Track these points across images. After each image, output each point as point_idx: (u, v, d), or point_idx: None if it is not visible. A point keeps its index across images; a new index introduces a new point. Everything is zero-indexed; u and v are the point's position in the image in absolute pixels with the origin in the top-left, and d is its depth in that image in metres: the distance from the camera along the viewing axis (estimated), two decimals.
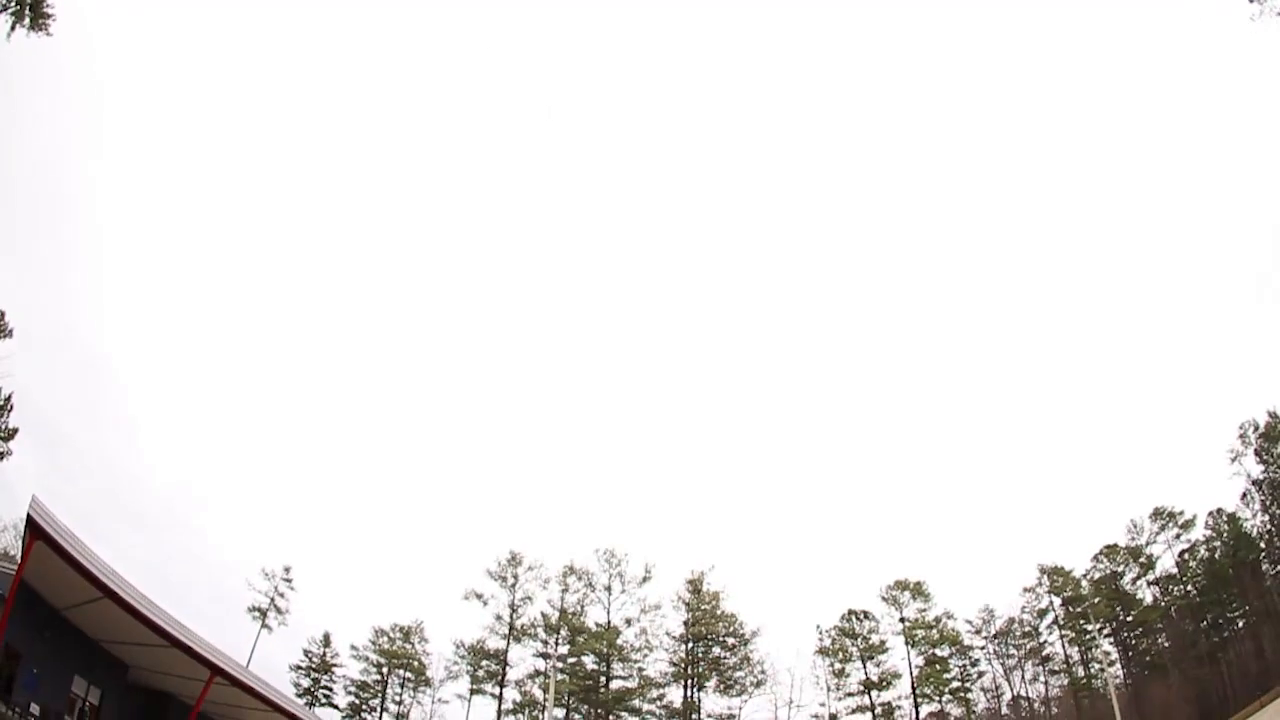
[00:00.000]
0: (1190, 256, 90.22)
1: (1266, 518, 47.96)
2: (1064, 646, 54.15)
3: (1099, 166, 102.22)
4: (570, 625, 57.27)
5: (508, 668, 55.96)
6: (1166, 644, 51.93)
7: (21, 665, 23.92)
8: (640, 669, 57.03)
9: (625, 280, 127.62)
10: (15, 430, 39.48)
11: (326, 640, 55.72)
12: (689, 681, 56.47)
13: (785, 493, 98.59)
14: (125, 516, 72.90)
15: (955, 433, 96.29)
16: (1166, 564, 52.69)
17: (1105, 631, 53.17)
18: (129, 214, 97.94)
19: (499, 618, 57.18)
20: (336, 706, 52.91)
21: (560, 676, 53.66)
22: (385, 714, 53.13)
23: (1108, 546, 55.19)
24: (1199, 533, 51.55)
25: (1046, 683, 54.80)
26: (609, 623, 57.47)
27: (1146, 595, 53.23)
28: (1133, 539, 54.18)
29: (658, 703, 56.14)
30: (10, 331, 38.40)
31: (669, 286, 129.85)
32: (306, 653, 54.58)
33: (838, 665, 55.65)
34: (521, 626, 57.04)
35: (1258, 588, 47.28)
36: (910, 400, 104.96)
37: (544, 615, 57.74)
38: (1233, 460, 49.29)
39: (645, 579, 58.71)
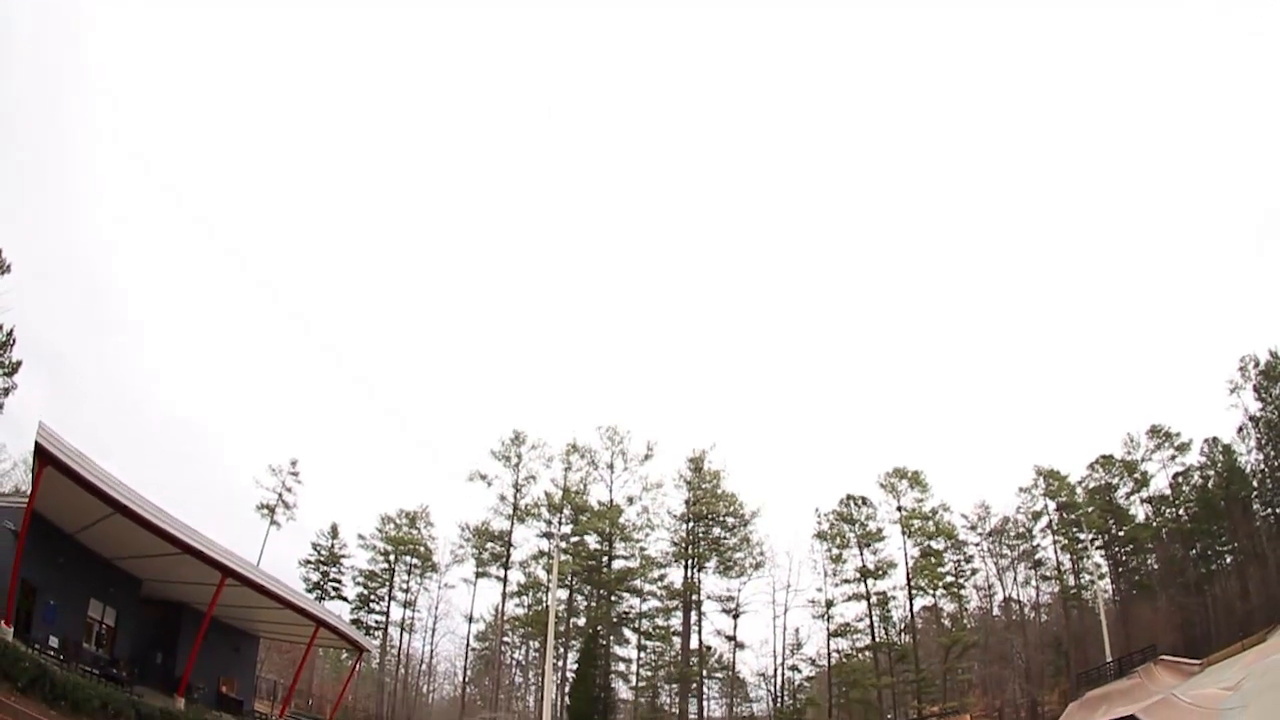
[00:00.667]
0: (1206, 183, 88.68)
1: (1260, 456, 48.11)
2: (1056, 553, 55.24)
3: (1111, 92, 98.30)
4: (573, 504, 57.30)
5: (512, 549, 56.27)
6: (1155, 566, 53.23)
7: (39, 598, 23.22)
8: (642, 548, 57.68)
9: (627, 240, 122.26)
10: (19, 364, 38.16)
11: (334, 532, 55.32)
12: (689, 562, 57.10)
13: (787, 376, 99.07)
14: (133, 433, 71.50)
15: (963, 329, 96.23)
16: (1160, 484, 53.32)
17: (1097, 544, 54.01)
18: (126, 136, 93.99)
19: (503, 498, 56.92)
20: (346, 598, 53.04)
21: (564, 557, 53.47)
22: (393, 602, 52.87)
23: (1103, 457, 55.40)
24: (1194, 458, 51.95)
25: (1038, 588, 56.34)
26: (611, 501, 57.49)
27: (1139, 513, 54.14)
28: (1128, 453, 54.48)
29: (659, 583, 57.15)
30: (9, 267, 36.35)
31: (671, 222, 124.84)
32: (315, 546, 54.29)
33: (835, 550, 56.27)
34: (525, 507, 56.88)
35: (1247, 526, 47.79)
36: (920, 296, 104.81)
37: (547, 495, 57.59)
38: (1231, 392, 49.06)
39: (647, 457, 58.15)
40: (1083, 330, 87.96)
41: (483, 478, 56.49)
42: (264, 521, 50.91)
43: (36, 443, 20.73)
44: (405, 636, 52.40)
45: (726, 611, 55.84)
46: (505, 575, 55.20)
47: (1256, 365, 47.77)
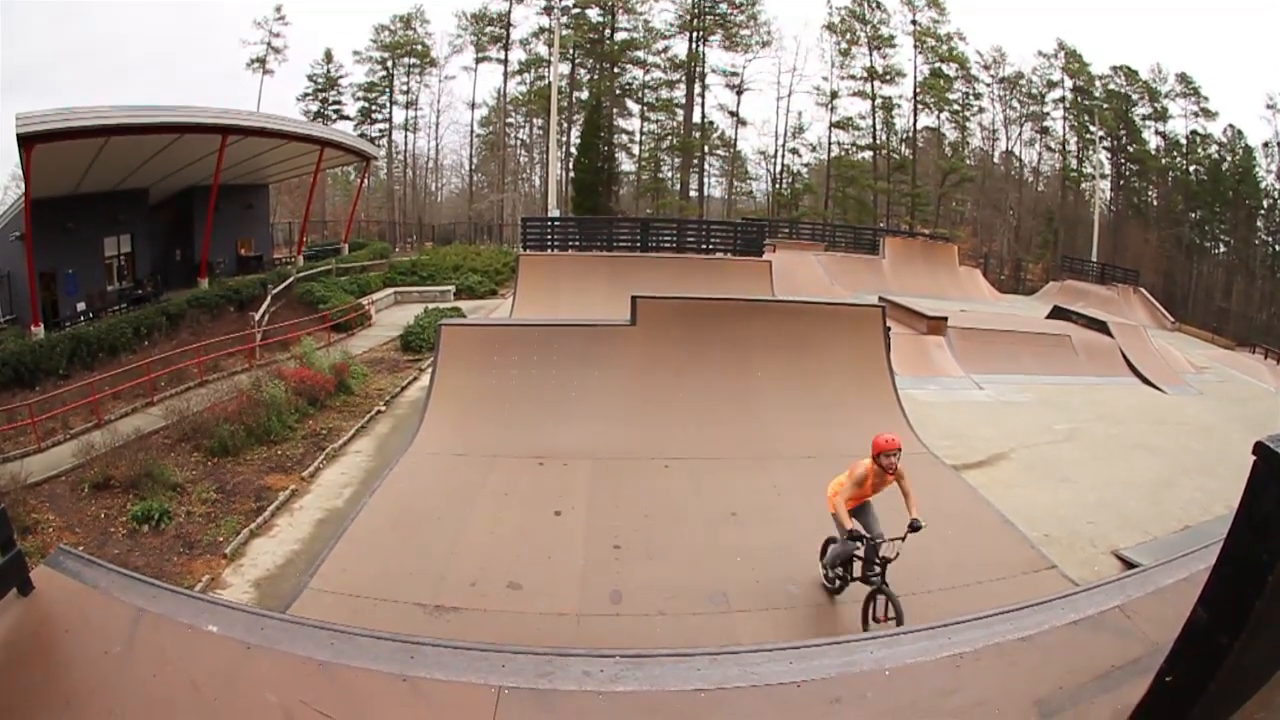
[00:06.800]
0: None
1: (1278, 183, 46.91)
2: (1064, 129, 52.62)
3: None
4: None
5: (511, 28, 53.59)
6: (1155, 202, 51.57)
7: (59, 278, 25.16)
8: (646, 21, 54.71)
9: None
10: None
11: (328, 56, 51.57)
12: (694, 34, 54.65)
13: None
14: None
15: None
16: (1177, 129, 50.69)
17: (1105, 143, 51.49)
18: None
19: None
20: (348, 116, 52.01)
21: (565, 31, 51.38)
22: (394, 106, 52.24)
23: (1128, 68, 50.53)
24: (1217, 131, 49.20)
25: (1040, 154, 54.33)
26: None
27: (1152, 142, 51.43)
28: (1154, 81, 50.02)
29: (663, 55, 55.42)
30: None
31: None
32: (310, 77, 51.21)
33: (844, 45, 53.31)
34: None
35: (1246, 234, 47.47)
36: None
37: None
38: (1269, 106, 46.09)
39: None
40: None
41: None
42: (257, 76, 48.76)
43: (19, 134, 21.13)
44: (410, 138, 53.56)
45: (730, 87, 55.42)
46: (506, 56, 53.56)
47: None
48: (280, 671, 3.49)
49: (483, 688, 3.41)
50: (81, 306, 25.07)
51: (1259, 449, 2.24)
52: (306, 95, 51.52)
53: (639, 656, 3.63)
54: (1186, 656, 2.57)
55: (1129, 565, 8.66)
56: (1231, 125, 49.36)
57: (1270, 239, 48.77)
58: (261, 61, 48.97)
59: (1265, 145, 47.82)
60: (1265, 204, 48.52)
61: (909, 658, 3.60)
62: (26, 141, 21.24)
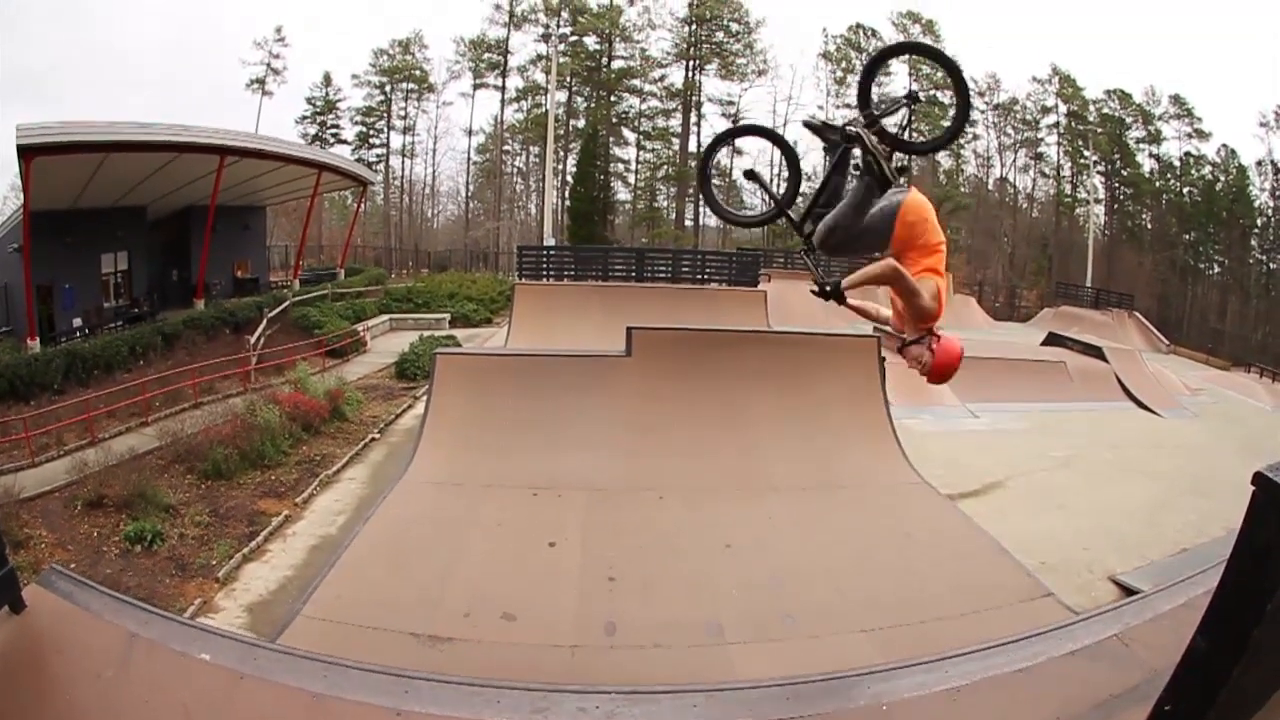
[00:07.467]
0: None
1: (1272, 201, 47.34)
2: (1059, 155, 53.37)
3: None
4: (571, 6, 53.61)
5: (509, 56, 54.29)
6: (1149, 225, 52.12)
7: (55, 292, 25.17)
8: (643, 49, 55.49)
9: None
10: None
11: (327, 80, 52.16)
12: (691, 63, 55.52)
13: None
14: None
15: None
16: (1171, 151, 51.36)
17: (1100, 167, 52.08)
18: None
19: (498, 7, 53.27)
20: (345, 140, 52.36)
21: (562, 59, 52.07)
22: (392, 131, 52.74)
23: (1122, 91, 51.29)
24: (1209, 151, 49.87)
25: (1035, 180, 54.98)
26: (611, 2, 53.88)
27: (1145, 165, 52.18)
28: (1147, 103, 50.78)
29: (659, 83, 56.17)
30: None
31: None
32: (309, 100, 51.66)
33: (839, 73, 54.23)
34: (521, 13, 53.38)
35: (1241, 253, 47.99)
36: None
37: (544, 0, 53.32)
38: (1262, 124, 46.54)
39: None
40: None
41: None
42: (255, 97, 49.22)
43: (19, 145, 21.25)
44: (407, 164, 54.11)
45: (726, 116, 55.81)
46: (503, 83, 54.20)
47: None
48: (273, 702, 3.45)
49: None
50: (78, 322, 25.04)
51: (1258, 479, 2.22)
52: (305, 118, 51.88)
53: (634, 693, 3.59)
54: (1185, 684, 2.53)
55: (1126, 591, 8.69)
56: (1225, 145, 49.85)
57: (1264, 257, 49.04)
58: (261, 82, 49.38)
59: (1259, 164, 48.27)
60: (1259, 223, 48.77)
61: (906, 692, 3.58)
62: (26, 153, 21.37)
